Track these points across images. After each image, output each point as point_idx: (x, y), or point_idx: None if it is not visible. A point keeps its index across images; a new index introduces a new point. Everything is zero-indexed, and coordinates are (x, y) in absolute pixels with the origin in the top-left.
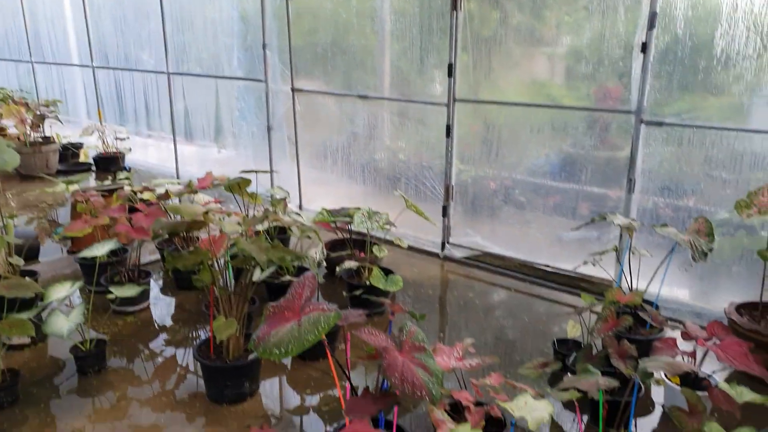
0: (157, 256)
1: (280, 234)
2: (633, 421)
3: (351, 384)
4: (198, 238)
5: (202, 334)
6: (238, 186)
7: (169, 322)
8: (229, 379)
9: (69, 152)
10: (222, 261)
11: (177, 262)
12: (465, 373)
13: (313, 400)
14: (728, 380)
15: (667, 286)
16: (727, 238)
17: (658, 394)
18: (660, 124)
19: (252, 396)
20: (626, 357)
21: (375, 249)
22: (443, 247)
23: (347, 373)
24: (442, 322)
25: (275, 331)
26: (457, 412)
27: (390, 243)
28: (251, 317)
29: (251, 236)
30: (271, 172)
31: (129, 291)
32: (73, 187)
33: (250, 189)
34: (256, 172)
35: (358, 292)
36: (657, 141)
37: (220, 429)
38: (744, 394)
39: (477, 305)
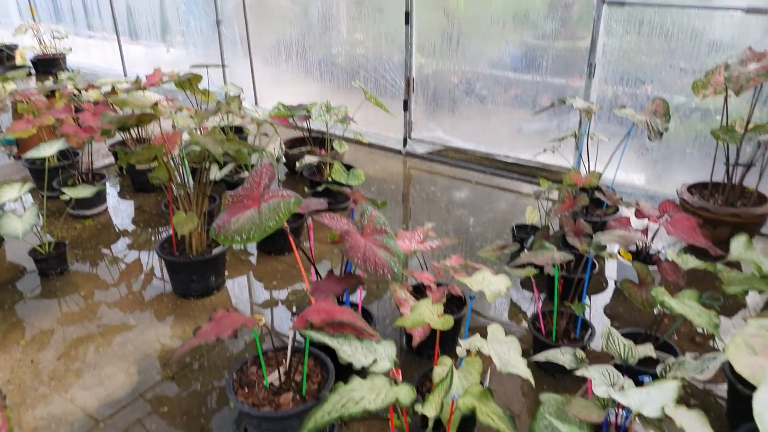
0: (112, 159)
1: (237, 134)
2: (587, 295)
3: (316, 270)
4: (150, 140)
5: (164, 234)
6: (189, 82)
7: (129, 226)
8: (194, 273)
9: (3, 54)
10: (178, 157)
11: (130, 158)
12: (426, 257)
13: (281, 290)
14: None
15: (623, 171)
16: (683, 123)
17: (611, 270)
18: (622, 3)
19: (219, 290)
20: (582, 235)
21: (335, 144)
22: (405, 143)
23: (312, 259)
24: (405, 215)
25: (235, 219)
26: (419, 293)
27: (351, 140)
28: (212, 214)
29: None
30: (223, 66)
31: (83, 192)
32: (10, 86)
33: (202, 86)
34: (206, 66)
35: (320, 188)
36: (619, 23)
37: (190, 321)
38: (689, 262)
39: (439, 198)
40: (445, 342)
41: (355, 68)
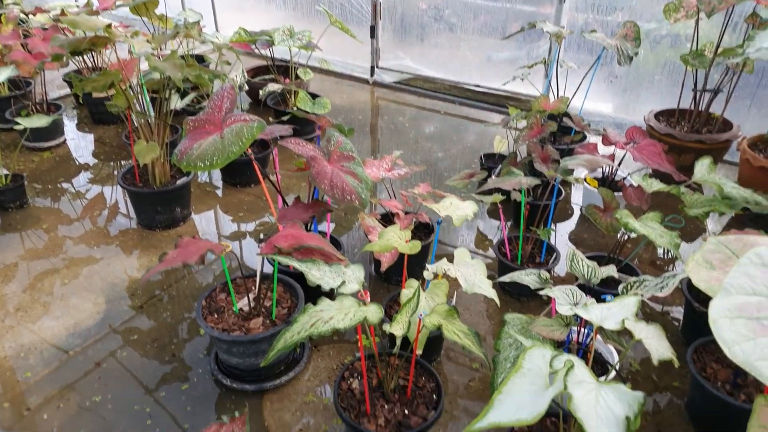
0: (67, 90)
1: (197, 62)
2: (553, 221)
3: (284, 199)
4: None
5: (127, 166)
6: (144, 7)
7: (90, 159)
8: (158, 204)
9: None
10: (136, 85)
11: (86, 85)
12: (395, 186)
13: (248, 222)
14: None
15: (592, 100)
16: (653, 50)
17: (577, 197)
18: None
19: (185, 222)
20: (549, 161)
21: (300, 72)
22: (372, 72)
23: (279, 189)
24: (373, 146)
25: (197, 145)
26: (388, 222)
27: (316, 68)
28: (175, 145)
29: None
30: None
31: (38, 121)
32: None
33: (159, 12)
34: None
35: (285, 118)
36: None
37: (156, 252)
38: (653, 185)
39: (408, 129)
40: (414, 269)
41: None
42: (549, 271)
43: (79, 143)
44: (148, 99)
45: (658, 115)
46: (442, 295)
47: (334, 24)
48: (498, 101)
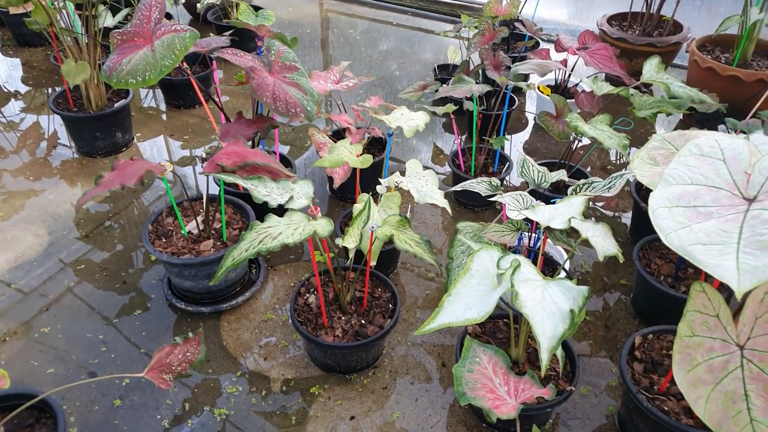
0: None
1: None
2: (506, 131)
3: (227, 117)
4: None
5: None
6: None
7: (19, 85)
8: (97, 130)
9: None
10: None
11: None
12: (347, 100)
13: (195, 146)
14: None
15: (546, 7)
16: None
17: (531, 106)
18: None
19: (127, 147)
20: (501, 67)
21: None
22: None
23: (221, 106)
24: (325, 61)
25: (127, 60)
26: (340, 137)
27: None
28: None
29: None
30: None
31: None
32: None
33: None
34: None
35: (226, 33)
36: None
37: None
38: (603, 88)
39: (359, 42)
40: (368, 185)
41: None
42: (502, 180)
43: (5, 68)
44: (74, 14)
45: (611, 20)
46: (394, 207)
47: None
48: (452, 11)
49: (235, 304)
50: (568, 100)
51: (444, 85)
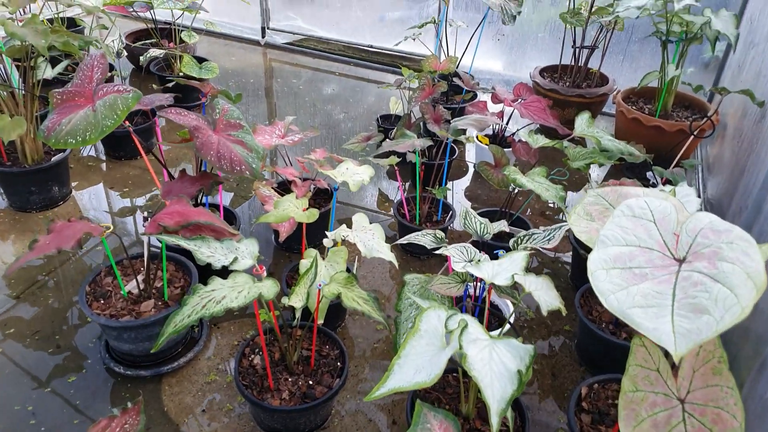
0: None
1: (69, 28)
2: (447, 180)
3: (169, 172)
4: None
5: None
6: None
7: None
8: (32, 184)
9: None
10: None
11: None
12: (292, 153)
13: (135, 198)
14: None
15: (482, 58)
16: (536, 9)
17: (470, 155)
18: None
19: (65, 201)
20: (441, 121)
21: (184, 35)
22: (263, 33)
23: (163, 161)
24: (269, 110)
25: (67, 120)
26: (286, 190)
27: (202, 30)
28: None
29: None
30: None
31: None
32: None
33: None
34: None
35: (170, 85)
36: None
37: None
38: (538, 140)
39: (303, 92)
40: (315, 236)
41: None
42: (445, 229)
43: None
44: (11, 67)
45: (543, 71)
46: (341, 262)
47: None
48: (392, 61)
49: (177, 366)
50: (505, 149)
51: (387, 138)
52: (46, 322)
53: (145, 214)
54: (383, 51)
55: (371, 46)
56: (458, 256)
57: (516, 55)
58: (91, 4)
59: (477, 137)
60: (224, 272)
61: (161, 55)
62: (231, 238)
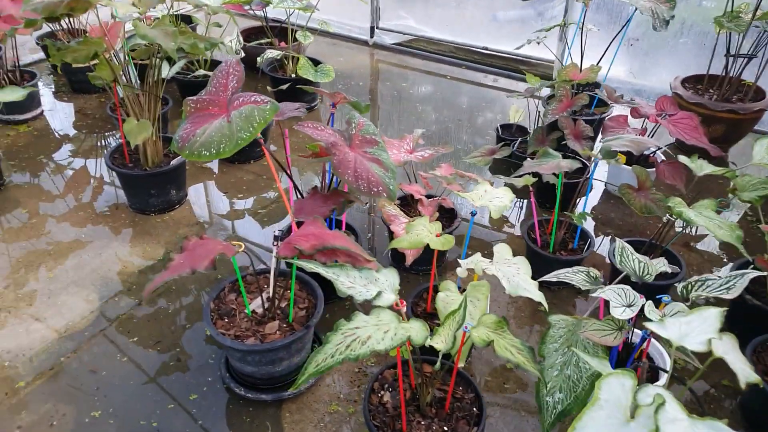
0: (41, 54)
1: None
2: (587, 201)
3: (294, 183)
4: (86, 32)
5: (112, 141)
6: None
7: (71, 131)
8: (152, 187)
9: None
10: (122, 54)
11: (65, 56)
12: (413, 166)
13: (248, 203)
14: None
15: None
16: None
17: (600, 172)
18: None
19: (181, 204)
20: (582, 138)
21: (299, 35)
22: (372, 32)
23: (289, 172)
24: (375, 115)
25: (201, 130)
26: (406, 206)
27: (313, 30)
28: (166, 118)
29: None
30: None
31: (12, 95)
32: None
33: None
34: None
35: (284, 86)
36: None
37: (151, 239)
38: (703, 167)
39: (412, 95)
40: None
41: None
42: (581, 260)
43: (58, 114)
44: (134, 70)
45: (685, 82)
46: (483, 299)
47: None
48: (507, 65)
49: (298, 392)
50: (648, 170)
51: (508, 146)
52: (166, 333)
53: (277, 232)
54: (498, 54)
55: (486, 48)
56: (616, 300)
57: (649, 61)
58: (215, 3)
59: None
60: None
61: (278, 57)
62: (368, 266)
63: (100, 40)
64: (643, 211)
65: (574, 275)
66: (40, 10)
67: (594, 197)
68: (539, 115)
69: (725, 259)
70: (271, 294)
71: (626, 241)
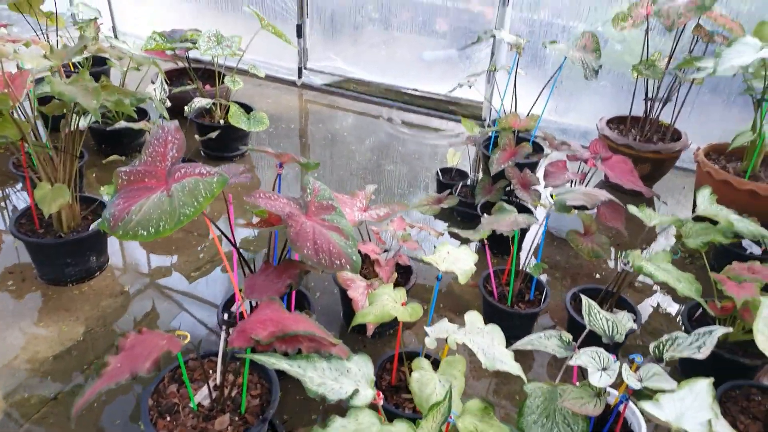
0: None
1: (96, 66)
2: (541, 250)
3: (239, 253)
4: None
5: (16, 201)
6: (27, 3)
7: None
8: (69, 255)
9: None
10: (28, 105)
11: None
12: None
13: (180, 265)
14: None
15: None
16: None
17: (539, 215)
18: None
19: (102, 270)
20: (529, 186)
21: (228, 81)
22: (300, 73)
23: (233, 240)
24: (302, 153)
25: (137, 207)
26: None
27: (242, 72)
28: (82, 173)
29: (61, 73)
30: None
31: None
32: None
33: (46, 8)
34: None
35: (213, 134)
36: None
37: (68, 316)
38: (652, 216)
39: (345, 138)
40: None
41: None
42: (537, 313)
43: None
44: (43, 123)
45: (609, 123)
46: (459, 377)
47: (266, 28)
48: (438, 105)
49: None
50: (587, 212)
51: (451, 193)
52: None
53: (225, 316)
54: (428, 95)
55: (416, 90)
56: (592, 365)
57: (573, 102)
58: (135, 52)
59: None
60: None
61: (208, 106)
62: (335, 353)
63: (4, 96)
64: (591, 255)
65: (547, 341)
66: None
67: (536, 239)
68: (478, 159)
69: (668, 296)
70: (218, 382)
71: (582, 289)
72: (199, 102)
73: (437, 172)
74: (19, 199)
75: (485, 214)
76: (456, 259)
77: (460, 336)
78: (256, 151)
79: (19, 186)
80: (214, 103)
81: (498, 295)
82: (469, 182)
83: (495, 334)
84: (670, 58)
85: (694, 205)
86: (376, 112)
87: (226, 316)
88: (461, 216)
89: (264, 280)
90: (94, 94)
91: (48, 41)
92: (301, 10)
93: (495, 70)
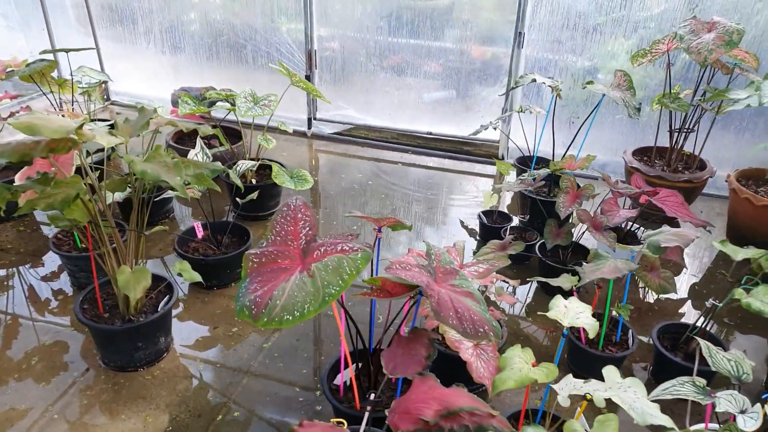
0: None
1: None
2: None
3: (354, 324)
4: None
5: (62, 285)
6: (40, 73)
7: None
8: (139, 339)
9: None
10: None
11: (37, 204)
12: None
13: (250, 340)
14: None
15: (550, 141)
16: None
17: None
18: None
19: (168, 351)
20: (602, 229)
21: (260, 140)
22: (310, 124)
23: (344, 313)
24: (336, 212)
25: (279, 290)
26: None
27: (272, 129)
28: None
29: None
30: (97, 48)
31: None
32: None
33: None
34: (64, 50)
35: (254, 195)
36: None
37: (147, 405)
38: (738, 252)
39: (372, 186)
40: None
41: (241, 39)
42: (627, 355)
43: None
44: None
45: (633, 155)
46: None
47: (297, 84)
48: (453, 147)
49: None
50: (636, 246)
51: (514, 240)
52: None
53: (371, 396)
54: (442, 137)
55: (430, 133)
56: (730, 407)
57: (593, 136)
58: (165, 117)
59: None
60: None
61: (254, 168)
62: (497, 425)
63: (76, 180)
64: (659, 290)
65: (682, 387)
66: (7, 154)
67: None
68: (524, 200)
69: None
70: None
71: (665, 326)
72: (245, 165)
73: (479, 214)
74: (63, 282)
75: (548, 259)
76: (576, 313)
77: (606, 393)
78: (352, 217)
79: (53, 262)
80: (259, 165)
81: (585, 338)
82: (515, 224)
83: (637, 388)
84: (695, 91)
85: (728, 229)
86: (395, 158)
87: (372, 397)
88: (512, 258)
89: (402, 355)
90: (176, 170)
91: (60, 108)
92: (309, 62)
93: (522, 111)
